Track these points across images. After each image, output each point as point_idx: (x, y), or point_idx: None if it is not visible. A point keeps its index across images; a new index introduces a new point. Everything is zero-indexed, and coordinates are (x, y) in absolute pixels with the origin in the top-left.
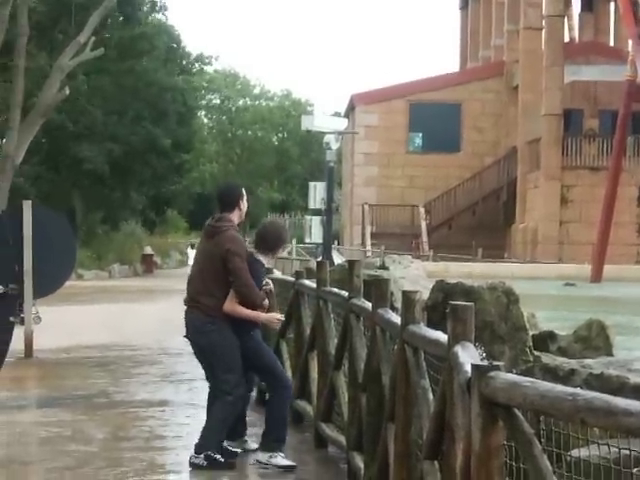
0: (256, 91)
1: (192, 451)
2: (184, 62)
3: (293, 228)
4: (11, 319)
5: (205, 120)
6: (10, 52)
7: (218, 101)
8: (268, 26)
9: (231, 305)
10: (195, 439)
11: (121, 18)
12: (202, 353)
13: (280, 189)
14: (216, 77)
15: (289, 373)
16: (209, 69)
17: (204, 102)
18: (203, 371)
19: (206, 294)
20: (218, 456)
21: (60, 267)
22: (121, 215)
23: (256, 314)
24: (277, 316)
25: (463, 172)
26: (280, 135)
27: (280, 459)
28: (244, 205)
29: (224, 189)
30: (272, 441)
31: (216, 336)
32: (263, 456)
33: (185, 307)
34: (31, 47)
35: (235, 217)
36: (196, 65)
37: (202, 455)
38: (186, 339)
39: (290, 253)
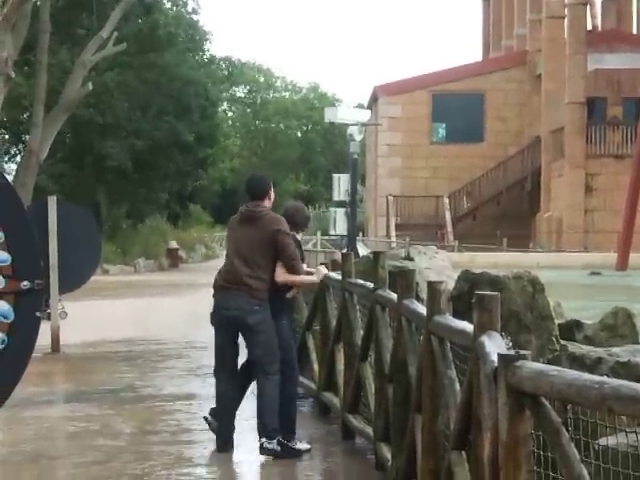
0: (279, 83)
1: (259, 437)
2: (209, 60)
3: (317, 220)
4: (37, 314)
5: (229, 113)
6: (33, 48)
7: (242, 94)
8: (288, 22)
9: (284, 276)
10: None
11: (142, 11)
12: (248, 332)
13: (304, 181)
14: (241, 70)
15: (315, 365)
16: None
17: (228, 94)
18: (221, 357)
19: (253, 277)
20: (292, 443)
21: (85, 262)
22: (146, 210)
23: (309, 278)
24: (324, 270)
25: (487, 162)
26: (304, 128)
27: (299, 444)
28: (272, 195)
29: (254, 180)
30: (288, 431)
31: (264, 318)
32: (283, 441)
33: (221, 289)
34: (53, 43)
35: (267, 205)
36: (222, 66)
37: (275, 440)
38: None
39: (315, 245)
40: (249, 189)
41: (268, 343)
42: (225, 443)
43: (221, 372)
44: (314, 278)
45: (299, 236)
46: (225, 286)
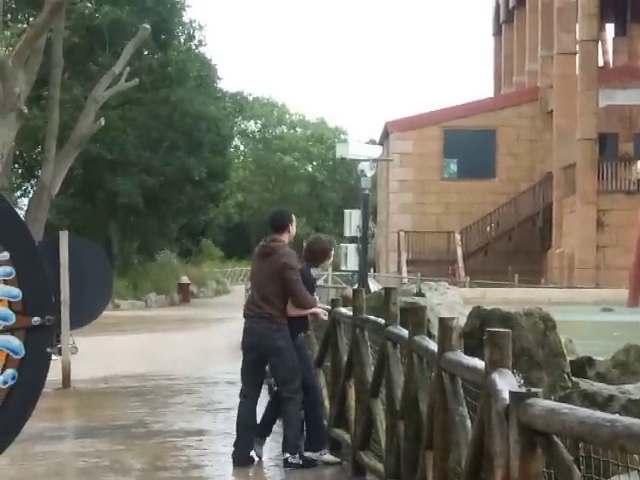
0: (289, 118)
1: (283, 452)
2: (220, 95)
3: None
4: (48, 350)
5: (241, 147)
6: (45, 83)
7: (253, 129)
8: (301, 57)
9: (294, 311)
10: (234, 469)
11: (156, 48)
12: (270, 356)
13: (315, 217)
14: (252, 105)
15: (326, 401)
16: (246, 105)
17: (239, 128)
18: (247, 377)
19: (270, 306)
20: (316, 455)
21: (96, 297)
22: (157, 245)
23: (313, 310)
24: (323, 313)
25: (498, 198)
26: (315, 163)
27: (328, 456)
28: (293, 229)
29: (276, 214)
30: (318, 442)
31: (284, 342)
32: (314, 454)
33: (247, 317)
34: (66, 78)
35: (285, 239)
36: (235, 99)
37: (297, 455)
38: (247, 346)
39: (326, 281)
40: (271, 223)
41: (289, 365)
42: (237, 458)
43: (244, 393)
44: (317, 310)
45: (315, 271)
46: (249, 314)
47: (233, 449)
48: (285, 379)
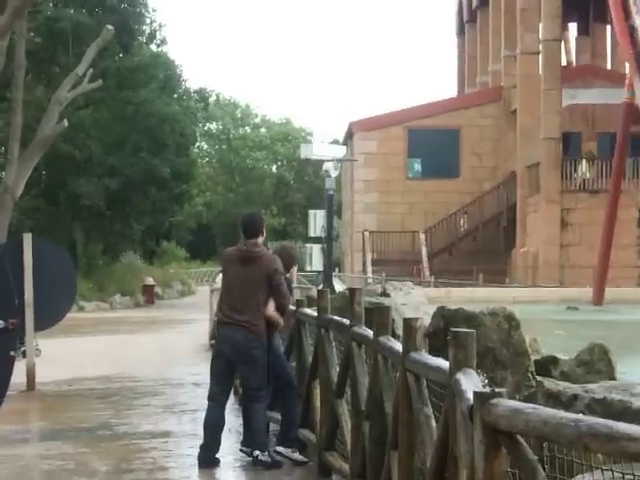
0: (257, 120)
1: (252, 451)
2: (184, 94)
3: None
4: (12, 353)
5: (205, 147)
6: (8, 85)
7: (217, 129)
8: (266, 56)
9: (272, 313)
10: (199, 471)
11: (119, 49)
12: (243, 365)
13: (280, 216)
14: (215, 107)
15: None
16: (210, 101)
17: (202, 130)
18: (219, 382)
19: (250, 313)
20: (287, 451)
21: (61, 299)
22: (121, 246)
23: (278, 316)
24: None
25: (463, 198)
26: (279, 163)
27: (297, 455)
28: (264, 232)
29: (250, 219)
30: (291, 439)
31: (260, 352)
32: (285, 450)
33: (223, 324)
34: (28, 80)
35: (261, 242)
36: (197, 98)
37: (266, 453)
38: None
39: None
40: (245, 228)
41: (261, 374)
42: (205, 462)
43: (214, 398)
44: (279, 318)
45: (288, 275)
46: (226, 322)
47: (199, 451)
48: (254, 387)
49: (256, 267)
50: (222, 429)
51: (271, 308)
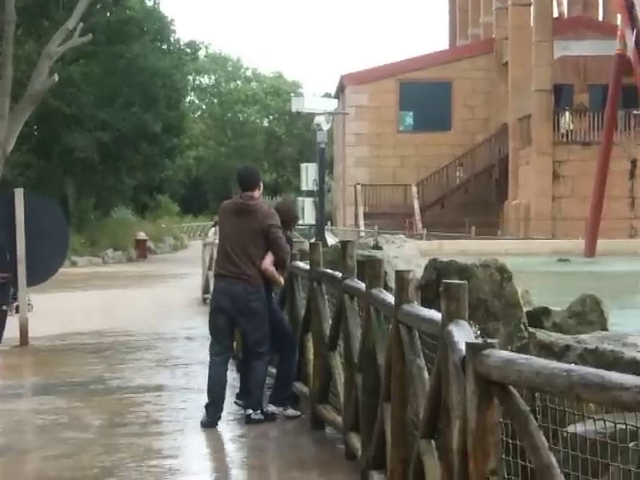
0: (248, 73)
1: (245, 409)
2: (174, 47)
3: None
4: (4, 308)
5: (197, 101)
6: None
7: (208, 83)
8: (257, 9)
9: (270, 266)
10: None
11: (110, 2)
12: (243, 318)
13: (271, 170)
14: (206, 61)
15: None
16: (200, 54)
17: (195, 83)
18: (219, 339)
19: (249, 265)
20: (279, 410)
21: (53, 254)
22: (113, 201)
23: (279, 279)
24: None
25: (454, 150)
26: (271, 117)
27: (290, 411)
28: (261, 186)
29: (246, 172)
30: (284, 397)
31: (260, 305)
32: (277, 409)
33: (220, 277)
34: (19, 34)
35: (257, 196)
36: (187, 51)
37: (259, 411)
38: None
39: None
40: (241, 181)
41: (262, 328)
42: (210, 422)
43: (217, 353)
44: (281, 280)
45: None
46: (223, 274)
47: (205, 410)
48: (256, 341)
49: (251, 219)
50: (225, 387)
51: (268, 262)
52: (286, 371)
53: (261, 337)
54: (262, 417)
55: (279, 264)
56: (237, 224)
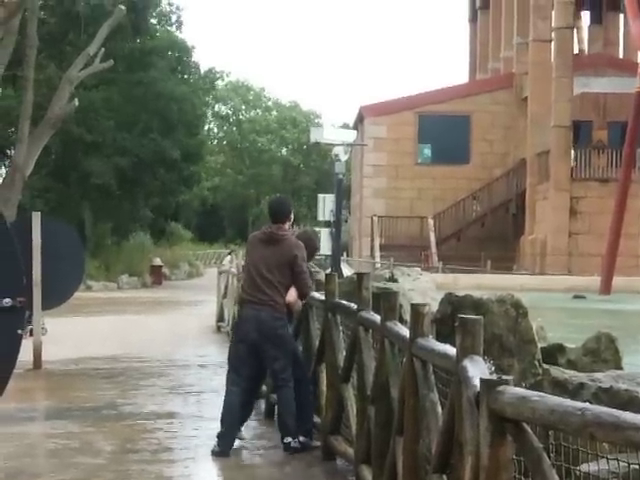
0: (269, 103)
1: (284, 437)
2: (193, 75)
3: None
4: (19, 332)
5: (215, 129)
6: (20, 63)
7: (228, 112)
8: (277, 39)
9: (294, 299)
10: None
11: (131, 31)
12: (269, 345)
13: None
14: (226, 89)
15: None
16: (219, 83)
17: (213, 111)
18: (238, 368)
19: (276, 294)
20: (307, 440)
21: (68, 279)
22: (130, 226)
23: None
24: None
25: (472, 184)
26: (289, 147)
27: (314, 441)
28: (292, 217)
29: (278, 203)
30: (308, 428)
31: (286, 332)
32: (305, 439)
33: (246, 304)
34: (40, 59)
35: (287, 227)
36: (206, 80)
37: (297, 439)
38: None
39: None
40: (272, 212)
41: (288, 354)
42: (222, 450)
43: (235, 383)
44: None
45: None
46: (250, 300)
47: (217, 440)
48: (281, 368)
49: (279, 248)
50: (238, 418)
51: (292, 296)
52: (304, 401)
53: (285, 364)
54: (299, 446)
55: (301, 298)
56: (265, 253)
